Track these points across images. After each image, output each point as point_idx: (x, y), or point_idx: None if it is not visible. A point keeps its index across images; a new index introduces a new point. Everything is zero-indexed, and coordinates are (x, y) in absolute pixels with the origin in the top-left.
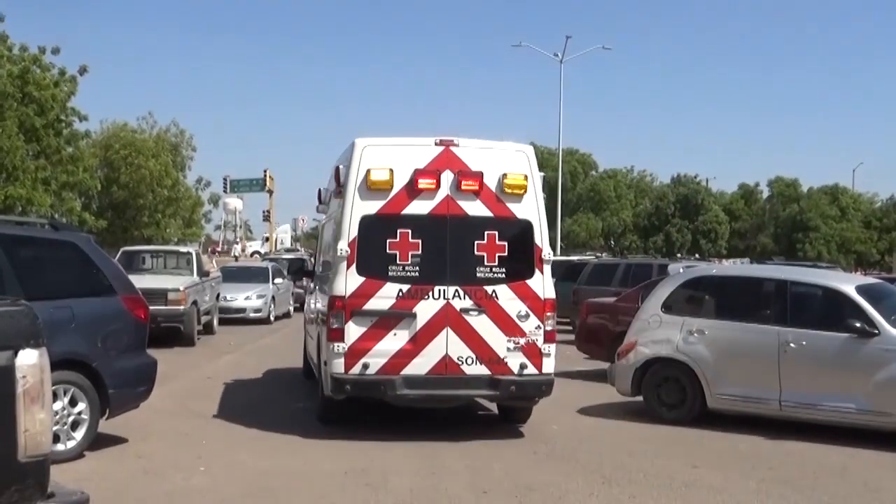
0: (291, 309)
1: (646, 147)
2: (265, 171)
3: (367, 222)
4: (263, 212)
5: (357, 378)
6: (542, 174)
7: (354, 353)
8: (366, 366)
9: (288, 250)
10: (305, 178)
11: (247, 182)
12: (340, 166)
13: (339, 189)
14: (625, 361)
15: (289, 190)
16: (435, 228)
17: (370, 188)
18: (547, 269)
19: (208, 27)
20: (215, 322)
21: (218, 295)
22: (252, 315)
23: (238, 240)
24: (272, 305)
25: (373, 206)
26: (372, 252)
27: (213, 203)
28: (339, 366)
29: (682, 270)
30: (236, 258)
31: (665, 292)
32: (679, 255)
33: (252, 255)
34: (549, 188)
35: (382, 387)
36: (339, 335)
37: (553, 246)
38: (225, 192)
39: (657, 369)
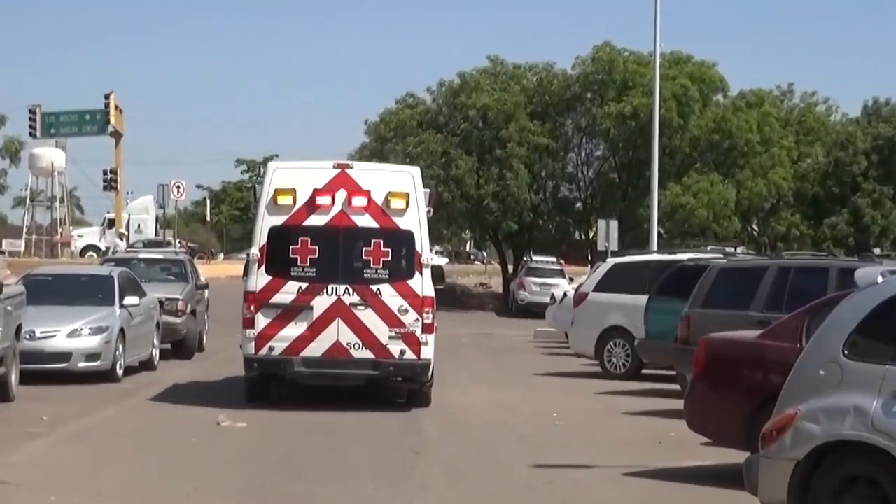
0: (156, 353)
1: (809, 58)
2: (108, 98)
3: (274, 232)
4: (105, 173)
5: (263, 358)
6: (426, 189)
7: (262, 338)
8: (271, 348)
9: (151, 243)
10: (184, 113)
11: (74, 117)
12: (256, 185)
13: (256, 204)
14: (776, 449)
15: (153, 134)
16: (330, 237)
17: (277, 204)
18: (426, 271)
19: None
20: (13, 379)
21: (18, 328)
22: (81, 366)
23: (58, 224)
24: (119, 348)
25: (279, 219)
26: (278, 256)
27: (8, 156)
28: (250, 348)
29: (882, 279)
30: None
31: (851, 320)
32: (879, 248)
33: (84, 252)
34: (639, 136)
35: (283, 365)
36: (250, 323)
37: (639, 237)
38: (33, 135)
39: (836, 463)
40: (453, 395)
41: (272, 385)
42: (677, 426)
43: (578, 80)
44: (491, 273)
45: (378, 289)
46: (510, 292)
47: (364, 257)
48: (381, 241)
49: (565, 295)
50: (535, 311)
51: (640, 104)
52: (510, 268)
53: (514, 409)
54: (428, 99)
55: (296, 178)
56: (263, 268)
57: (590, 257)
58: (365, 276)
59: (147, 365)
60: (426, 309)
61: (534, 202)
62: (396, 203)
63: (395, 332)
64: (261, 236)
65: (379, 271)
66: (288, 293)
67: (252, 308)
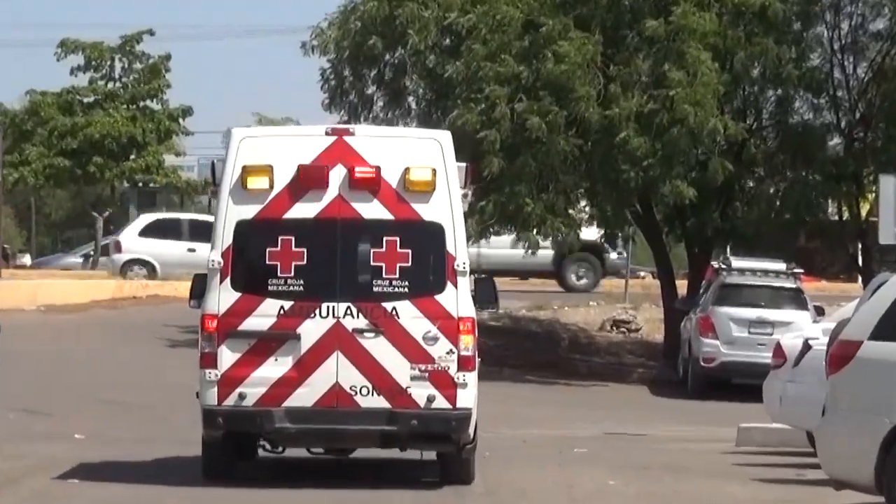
0: None
1: None
2: None
3: (242, 229)
4: None
5: (231, 410)
6: (461, 164)
7: (229, 382)
8: (242, 396)
9: None
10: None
11: None
12: (215, 161)
13: (214, 189)
14: None
15: None
16: (323, 234)
17: (246, 189)
18: (463, 281)
19: None
20: None
21: None
22: None
23: None
24: None
25: (249, 211)
26: (249, 263)
27: None
28: (211, 396)
29: None
30: None
31: None
32: None
33: None
34: None
35: (259, 419)
36: (211, 361)
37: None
38: None
39: None
40: (509, 470)
41: (244, 451)
42: None
43: None
44: (637, 300)
45: (394, 308)
46: (681, 340)
47: (373, 263)
48: (398, 239)
49: (807, 347)
50: (738, 385)
51: None
52: (679, 283)
53: None
54: None
55: (273, 150)
56: (228, 280)
57: (860, 262)
58: (375, 289)
59: None
60: (464, 335)
61: (733, 136)
62: (418, 183)
63: (420, 370)
64: (223, 235)
65: (395, 282)
66: (264, 316)
67: (213, 339)
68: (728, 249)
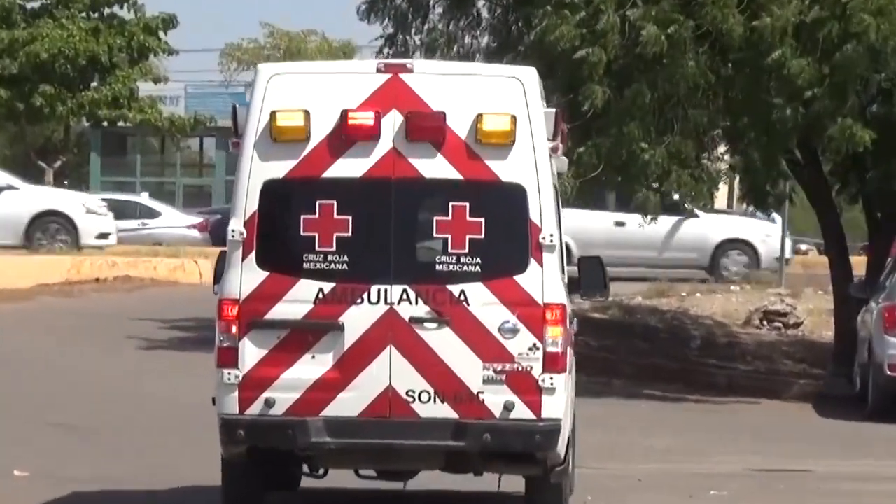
0: None
1: None
2: None
3: (271, 191)
4: None
5: (256, 420)
6: (551, 109)
7: (253, 385)
8: (269, 402)
9: None
10: None
11: None
12: (237, 106)
13: (237, 141)
14: None
15: None
16: (373, 198)
17: (277, 140)
18: (551, 258)
19: None
20: None
21: None
22: None
23: None
24: None
25: (280, 168)
26: (279, 235)
27: None
28: (230, 403)
29: None
30: None
31: None
32: None
33: None
34: None
35: (291, 432)
36: (230, 358)
37: None
38: None
39: None
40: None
41: (272, 476)
42: None
43: None
44: (797, 283)
45: (462, 291)
46: (858, 339)
47: (436, 234)
48: (468, 205)
49: None
50: None
51: None
52: (855, 260)
53: None
54: None
55: (310, 91)
56: (252, 256)
57: None
58: (438, 268)
59: None
60: (552, 326)
61: None
62: (494, 133)
63: (495, 371)
64: (247, 200)
65: (463, 260)
66: (298, 301)
67: (233, 330)
68: None
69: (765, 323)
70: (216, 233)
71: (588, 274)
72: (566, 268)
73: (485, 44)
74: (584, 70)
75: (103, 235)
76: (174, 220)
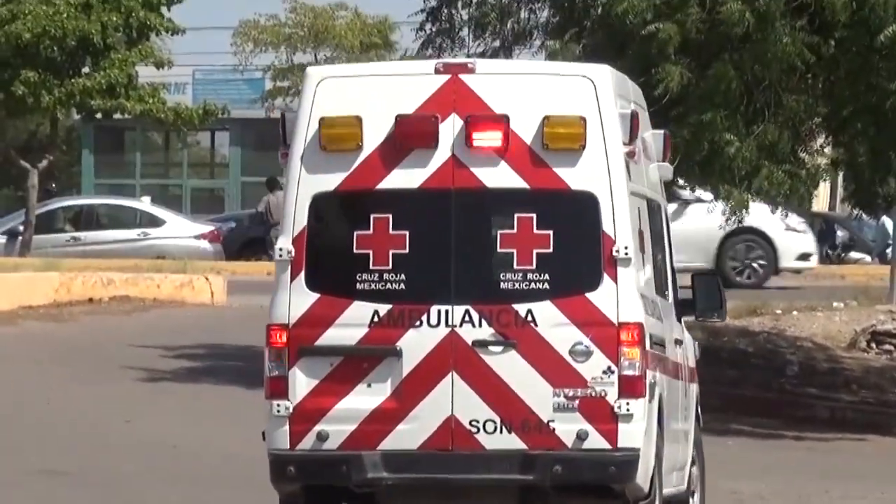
0: None
1: None
2: None
3: (321, 205)
4: None
5: (308, 456)
6: (629, 111)
7: (305, 417)
8: (322, 436)
9: None
10: None
11: None
12: (285, 113)
13: (285, 152)
14: None
15: None
16: (431, 211)
17: (326, 149)
18: (626, 273)
19: None
20: None
21: None
22: None
23: None
24: None
25: (331, 180)
26: (330, 253)
27: None
28: (281, 437)
29: None
30: None
31: None
32: None
33: None
34: None
35: (345, 467)
36: (280, 389)
37: None
38: None
39: None
40: None
41: None
42: None
43: None
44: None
45: (530, 311)
46: None
47: (500, 249)
48: (535, 216)
49: None
50: None
51: None
52: None
53: None
54: None
55: (362, 95)
56: (302, 277)
57: None
58: (503, 286)
59: None
60: (628, 347)
61: None
62: (562, 137)
63: (567, 397)
64: (296, 215)
65: (530, 276)
66: (352, 325)
67: (283, 359)
68: None
69: (873, 345)
70: (230, 244)
71: (703, 293)
72: (678, 286)
73: (544, 18)
74: (658, 47)
75: (804, 256)
76: (180, 230)
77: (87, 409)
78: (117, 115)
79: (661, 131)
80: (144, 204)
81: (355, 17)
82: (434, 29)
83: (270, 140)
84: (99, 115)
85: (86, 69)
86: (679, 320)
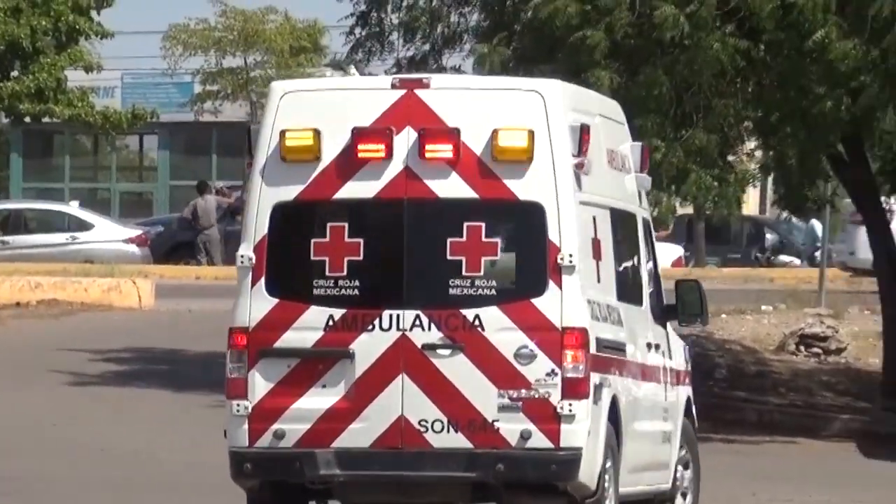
0: None
1: None
2: None
3: (281, 215)
4: None
5: (264, 453)
6: (579, 124)
7: (263, 416)
8: (279, 434)
9: None
10: None
11: None
12: (251, 126)
13: (250, 161)
14: None
15: None
16: (385, 220)
17: (286, 160)
18: (571, 280)
19: None
20: None
21: None
22: None
23: None
24: None
25: (290, 190)
26: (289, 260)
27: None
28: (241, 435)
29: None
30: None
31: None
32: None
33: None
34: None
35: (299, 464)
36: (239, 389)
37: None
38: None
39: None
40: None
41: None
42: None
43: None
44: (839, 303)
45: (477, 316)
46: None
47: (450, 257)
48: (483, 225)
49: None
50: None
51: None
52: None
53: None
54: None
55: (321, 108)
56: (262, 283)
57: None
58: (452, 292)
59: None
60: (571, 351)
61: None
62: (510, 150)
63: (511, 399)
64: (257, 224)
65: (478, 283)
66: (308, 329)
67: (243, 360)
68: None
69: (802, 348)
70: (158, 248)
71: (686, 299)
72: (663, 294)
73: (474, 22)
74: (587, 52)
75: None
76: (109, 234)
77: (13, 413)
78: (46, 119)
79: (640, 143)
80: (73, 208)
81: (285, 21)
82: (364, 33)
83: (199, 144)
84: (28, 119)
85: (14, 73)
86: (664, 325)
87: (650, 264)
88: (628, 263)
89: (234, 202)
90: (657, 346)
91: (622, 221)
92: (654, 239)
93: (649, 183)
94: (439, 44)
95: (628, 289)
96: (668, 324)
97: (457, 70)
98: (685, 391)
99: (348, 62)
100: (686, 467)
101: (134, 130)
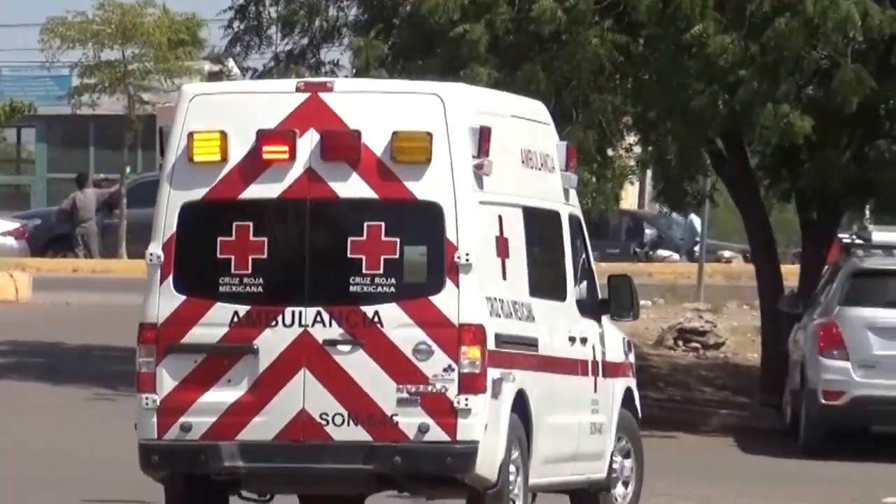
0: None
1: None
2: None
3: (188, 214)
4: None
5: (171, 445)
6: (478, 126)
7: (170, 410)
8: (185, 427)
9: None
10: None
11: None
12: (163, 127)
13: (161, 163)
14: None
15: None
16: (288, 219)
17: (194, 161)
18: (468, 279)
19: None
20: None
21: None
22: None
23: None
24: None
25: (198, 190)
26: (195, 258)
27: None
28: (149, 428)
29: None
30: None
31: None
32: None
33: None
34: None
35: (203, 456)
36: (148, 383)
37: None
38: None
39: None
40: None
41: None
42: None
43: None
44: (718, 297)
45: (377, 312)
46: (790, 362)
47: (351, 255)
48: (383, 224)
49: None
50: (883, 436)
51: None
52: (787, 270)
53: None
54: None
55: (228, 111)
56: (170, 280)
57: None
58: (352, 289)
59: None
60: (468, 347)
61: (877, 31)
62: (409, 151)
63: (409, 393)
64: (165, 223)
65: (378, 280)
66: (214, 325)
67: (151, 355)
68: (867, 214)
69: (680, 343)
70: (35, 240)
71: (618, 294)
72: (597, 289)
73: (353, 16)
74: (466, 48)
75: None
76: None
77: None
78: None
79: (565, 143)
80: None
81: (163, 14)
82: (242, 27)
83: (77, 137)
84: None
85: None
86: (597, 319)
87: (581, 260)
88: (546, 259)
89: (113, 194)
90: (584, 340)
91: (540, 219)
92: (585, 235)
93: (575, 181)
94: (318, 38)
95: (547, 284)
96: (604, 318)
97: (335, 65)
98: (623, 383)
99: (226, 56)
100: (626, 457)
101: (11, 123)
